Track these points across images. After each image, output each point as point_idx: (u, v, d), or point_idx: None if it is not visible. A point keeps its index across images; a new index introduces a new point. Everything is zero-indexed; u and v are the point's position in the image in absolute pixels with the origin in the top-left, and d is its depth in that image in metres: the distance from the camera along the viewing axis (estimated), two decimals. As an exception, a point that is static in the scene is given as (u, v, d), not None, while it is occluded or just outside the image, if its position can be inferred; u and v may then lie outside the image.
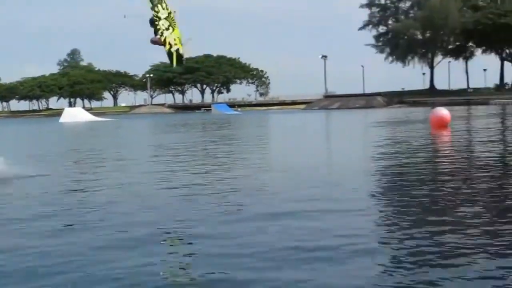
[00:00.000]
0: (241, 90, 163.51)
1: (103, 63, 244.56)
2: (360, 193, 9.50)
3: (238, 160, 15.81)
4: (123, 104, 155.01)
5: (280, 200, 9.00)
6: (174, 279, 5.26)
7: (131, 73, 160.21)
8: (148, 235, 6.74)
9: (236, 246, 6.11)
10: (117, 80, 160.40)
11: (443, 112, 28.39)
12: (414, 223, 7.10)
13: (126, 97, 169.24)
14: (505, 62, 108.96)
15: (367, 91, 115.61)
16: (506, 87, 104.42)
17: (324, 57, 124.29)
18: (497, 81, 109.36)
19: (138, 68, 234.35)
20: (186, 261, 5.75)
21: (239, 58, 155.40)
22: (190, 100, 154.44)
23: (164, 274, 5.31)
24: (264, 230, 6.85)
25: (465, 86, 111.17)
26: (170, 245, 6.58)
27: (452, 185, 9.98)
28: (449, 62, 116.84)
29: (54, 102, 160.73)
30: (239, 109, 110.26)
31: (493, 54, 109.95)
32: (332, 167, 14.10)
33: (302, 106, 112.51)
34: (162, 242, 6.60)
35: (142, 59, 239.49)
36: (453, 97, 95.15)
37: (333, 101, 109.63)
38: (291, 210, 8.02)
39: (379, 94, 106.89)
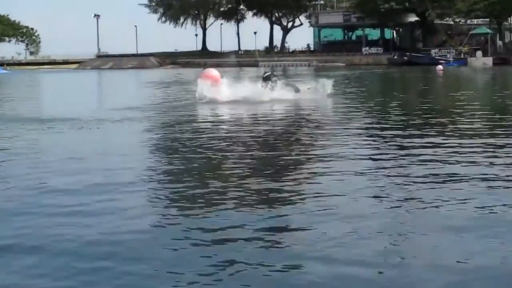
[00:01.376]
0: (11, 49, 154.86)
1: None
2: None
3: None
4: None
5: None
6: None
7: None
8: None
9: None
10: None
11: (213, 72, 28.54)
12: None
13: None
14: (275, 26, 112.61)
15: (140, 51, 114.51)
16: (275, 50, 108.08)
17: (97, 16, 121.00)
18: (267, 44, 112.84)
19: None
20: None
21: (8, 15, 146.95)
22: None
23: None
24: None
25: (236, 48, 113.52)
26: None
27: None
28: (221, 24, 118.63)
29: None
30: (8, 68, 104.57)
31: (263, 17, 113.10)
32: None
33: (74, 66, 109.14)
34: None
35: None
36: (225, 59, 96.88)
37: (105, 61, 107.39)
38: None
39: (152, 54, 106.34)
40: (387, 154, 9.30)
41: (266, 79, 21.57)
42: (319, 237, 5.10)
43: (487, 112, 16.43)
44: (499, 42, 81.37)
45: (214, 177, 7.67)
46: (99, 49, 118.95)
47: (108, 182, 7.35)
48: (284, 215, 5.78)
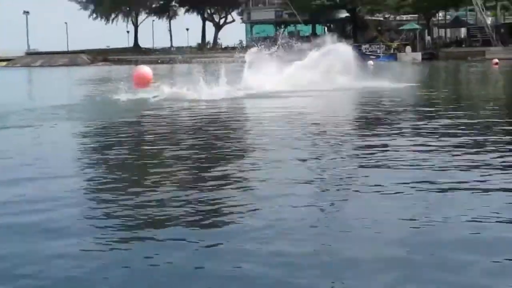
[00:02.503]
0: None
1: None
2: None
3: None
4: None
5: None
6: None
7: None
8: None
9: None
10: None
11: (145, 70, 28.43)
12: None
13: None
14: (207, 22, 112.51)
15: (72, 48, 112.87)
16: (208, 46, 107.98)
17: (26, 12, 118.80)
18: (199, 40, 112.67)
19: None
20: None
21: None
22: None
23: None
24: None
25: (169, 45, 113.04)
26: None
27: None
28: (153, 20, 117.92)
29: None
30: None
31: (195, 14, 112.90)
32: None
33: (3, 64, 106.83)
34: None
35: None
36: (157, 56, 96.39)
37: (35, 58, 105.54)
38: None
39: (83, 51, 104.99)
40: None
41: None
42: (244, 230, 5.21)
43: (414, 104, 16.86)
44: (428, 38, 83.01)
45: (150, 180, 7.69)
46: (28, 46, 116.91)
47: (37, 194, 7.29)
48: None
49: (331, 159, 8.42)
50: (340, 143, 9.81)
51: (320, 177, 7.31)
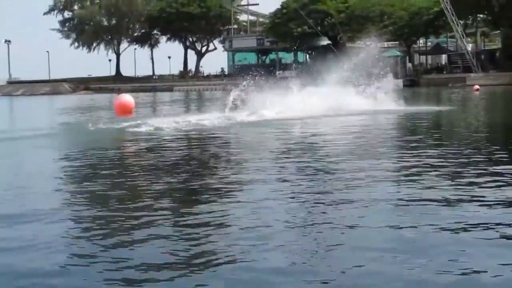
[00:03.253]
0: None
1: None
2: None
3: None
4: None
5: None
6: None
7: None
8: None
9: None
10: None
11: (127, 98, 28.35)
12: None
13: None
14: (189, 50, 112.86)
15: (53, 77, 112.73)
16: (190, 74, 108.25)
17: (8, 41, 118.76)
18: (181, 68, 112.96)
19: None
20: None
21: None
22: None
23: None
24: None
25: (151, 73, 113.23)
26: None
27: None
28: (135, 49, 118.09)
29: None
30: None
31: (177, 42, 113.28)
32: None
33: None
34: None
35: None
36: (139, 84, 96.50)
37: (17, 87, 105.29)
38: None
39: (64, 80, 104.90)
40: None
41: None
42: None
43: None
44: (409, 65, 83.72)
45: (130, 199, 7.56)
46: (10, 75, 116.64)
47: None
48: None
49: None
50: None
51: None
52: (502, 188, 7.85)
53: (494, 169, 9.40)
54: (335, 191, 8.01)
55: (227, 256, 5.33)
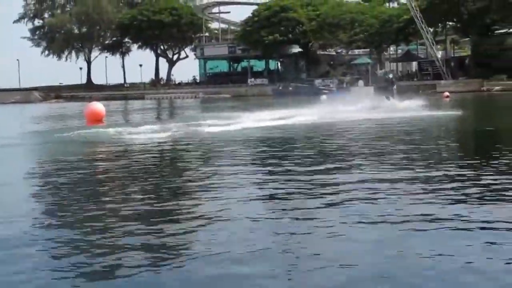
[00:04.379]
0: None
1: None
2: None
3: None
4: None
5: None
6: None
7: None
8: None
9: None
10: None
11: (97, 106, 28.33)
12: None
13: None
14: (160, 58, 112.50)
15: (24, 85, 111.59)
16: (162, 82, 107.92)
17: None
18: (153, 76, 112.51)
19: None
20: None
21: None
22: None
23: None
24: None
25: (122, 81, 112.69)
26: None
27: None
28: (106, 57, 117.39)
29: None
30: None
31: (148, 50, 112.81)
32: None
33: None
34: None
35: None
36: (110, 92, 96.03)
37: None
38: None
39: (35, 88, 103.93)
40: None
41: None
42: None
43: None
44: (380, 72, 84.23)
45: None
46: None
47: None
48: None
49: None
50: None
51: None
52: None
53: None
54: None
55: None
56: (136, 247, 5.88)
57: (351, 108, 28.51)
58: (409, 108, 28.69)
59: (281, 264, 5.27)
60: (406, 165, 11.14)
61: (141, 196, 8.60)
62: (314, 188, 8.83)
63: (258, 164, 12.13)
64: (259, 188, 9.01)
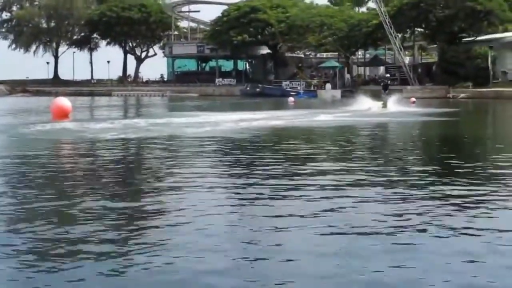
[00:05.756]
0: None
1: None
2: None
3: None
4: None
5: None
6: None
7: None
8: None
9: None
10: None
11: (64, 102, 28.21)
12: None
13: None
14: (128, 55, 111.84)
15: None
16: (129, 80, 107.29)
17: None
18: (120, 73, 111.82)
19: None
20: None
21: None
22: None
23: None
24: None
25: (89, 77, 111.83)
26: None
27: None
28: (74, 52, 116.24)
29: None
30: None
31: (117, 47, 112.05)
32: None
33: None
34: None
35: None
36: (77, 88, 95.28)
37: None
38: None
39: (1, 82, 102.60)
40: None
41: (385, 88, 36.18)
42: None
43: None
44: (347, 75, 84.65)
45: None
46: None
47: None
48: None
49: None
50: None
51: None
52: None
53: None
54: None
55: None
56: (98, 244, 5.91)
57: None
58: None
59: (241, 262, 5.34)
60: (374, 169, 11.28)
61: (101, 193, 8.61)
62: (277, 191, 8.92)
63: (219, 165, 12.19)
64: (223, 191, 9.07)
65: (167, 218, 7.03)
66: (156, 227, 6.60)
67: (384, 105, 35.35)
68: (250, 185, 9.28)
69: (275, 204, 7.83)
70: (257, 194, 8.49)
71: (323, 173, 10.64)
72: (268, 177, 10.00)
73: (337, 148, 15.51)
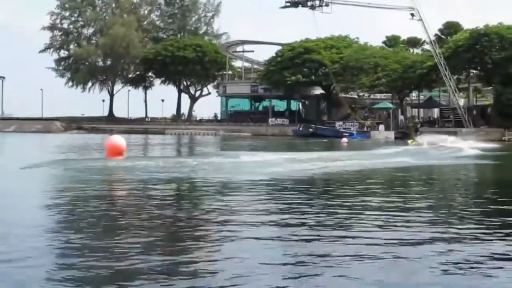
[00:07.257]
0: None
1: None
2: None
3: None
4: None
5: None
6: None
7: None
8: None
9: None
10: None
11: (118, 139, 28.40)
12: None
13: None
14: (182, 94, 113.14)
15: (46, 115, 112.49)
16: (183, 118, 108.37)
17: (2, 77, 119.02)
18: (174, 112, 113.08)
19: None
20: None
21: None
22: None
23: None
24: None
25: (143, 115, 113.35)
26: None
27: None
28: (129, 90, 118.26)
29: None
30: None
31: (171, 85, 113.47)
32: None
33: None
34: None
35: None
36: (132, 125, 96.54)
37: (8, 123, 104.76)
38: None
39: (57, 119, 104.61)
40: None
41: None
42: None
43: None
44: (401, 117, 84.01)
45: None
46: (3, 111, 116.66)
47: None
48: None
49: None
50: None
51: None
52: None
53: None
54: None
55: None
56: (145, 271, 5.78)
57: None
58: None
59: None
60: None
61: (152, 226, 8.51)
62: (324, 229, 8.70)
63: (270, 204, 12.01)
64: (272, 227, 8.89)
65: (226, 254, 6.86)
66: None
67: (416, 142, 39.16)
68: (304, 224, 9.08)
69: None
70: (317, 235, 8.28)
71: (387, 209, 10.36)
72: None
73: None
